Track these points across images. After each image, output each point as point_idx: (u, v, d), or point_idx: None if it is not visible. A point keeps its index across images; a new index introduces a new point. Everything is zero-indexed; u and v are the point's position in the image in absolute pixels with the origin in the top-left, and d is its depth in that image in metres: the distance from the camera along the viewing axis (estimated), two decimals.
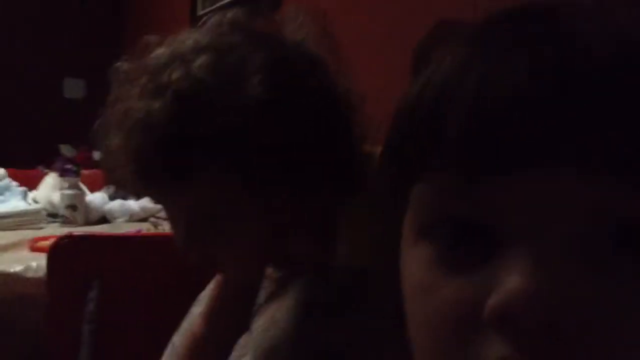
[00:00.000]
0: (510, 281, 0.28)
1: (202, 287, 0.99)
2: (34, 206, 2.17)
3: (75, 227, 2.03)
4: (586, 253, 0.28)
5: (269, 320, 0.78)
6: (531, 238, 0.29)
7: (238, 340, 0.84)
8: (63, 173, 2.20)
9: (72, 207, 2.10)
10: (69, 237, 1.39)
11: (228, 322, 0.86)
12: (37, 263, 1.53)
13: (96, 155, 2.23)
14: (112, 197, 2.30)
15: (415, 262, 0.33)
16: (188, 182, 0.66)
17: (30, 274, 1.53)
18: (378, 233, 0.40)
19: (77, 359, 1.36)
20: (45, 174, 2.37)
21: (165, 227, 2.06)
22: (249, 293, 0.85)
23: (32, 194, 2.29)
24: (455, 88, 0.31)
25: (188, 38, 0.69)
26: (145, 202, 2.24)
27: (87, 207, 2.15)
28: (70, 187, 2.15)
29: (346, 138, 0.70)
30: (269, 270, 0.89)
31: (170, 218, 0.73)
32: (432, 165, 0.32)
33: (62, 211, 2.11)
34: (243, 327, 0.82)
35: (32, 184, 2.37)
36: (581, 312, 0.28)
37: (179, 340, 0.94)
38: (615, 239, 0.28)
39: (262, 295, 0.88)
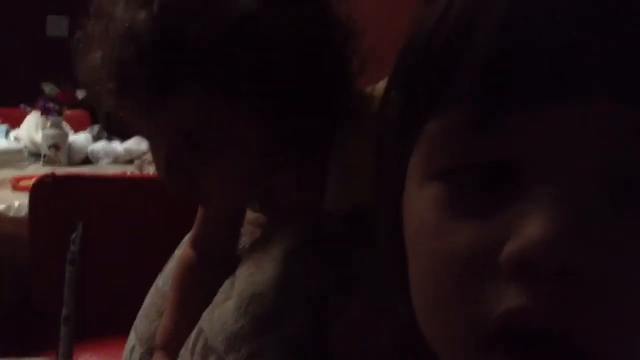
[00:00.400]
0: (531, 226, 0.26)
1: (186, 231, 0.99)
2: (16, 145, 2.14)
3: (59, 167, 2.00)
4: (615, 196, 0.27)
5: (255, 266, 0.78)
6: (557, 177, 0.27)
7: (223, 282, 0.84)
8: (46, 112, 2.16)
9: (55, 147, 2.07)
10: (52, 177, 1.37)
11: (213, 248, 0.86)
12: (19, 202, 1.52)
13: (80, 94, 2.19)
14: (96, 138, 2.27)
15: (424, 204, 0.31)
16: (172, 96, 0.62)
17: (12, 214, 1.52)
18: (380, 174, 0.38)
19: (61, 300, 1.37)
20: (28, 112, 2.33)
21: (151, 170, 2.04)
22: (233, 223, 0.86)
23: (14, 133, 2.26)
24: (482, 11, 0.29)
25: None
26: (131, 145, 2.21)
27: (70, 148, 2.12)
28: (53, 127, 2.11)
29: (341, 67, 0.68)
30: (255, 217, 0.88)
31: (152, 143, 0.70)
32: (452, 98, 0.29)
33: (45, 151, 2.08)
34: (229, 261, 0.81)
35: (14, 122, 2.33)
36: (604, 262, 0.26)
37: (163, 281, 0.94)
38: None
39: (247, 242, 0.88)
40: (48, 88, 2.19)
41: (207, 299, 0.78)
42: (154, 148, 0.69)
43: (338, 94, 0.67)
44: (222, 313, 0.75)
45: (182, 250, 0.89)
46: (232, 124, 0.64)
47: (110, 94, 0.64)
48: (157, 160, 0.69)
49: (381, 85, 0.76)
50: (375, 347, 0.53)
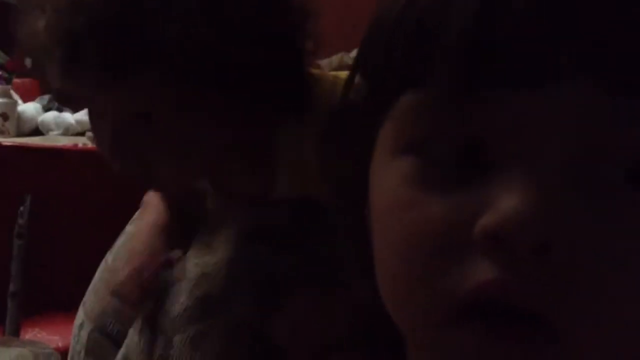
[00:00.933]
0: (506, 201, 0.26)
1: (137, 206, 0.97)
2: None
3: (7, 137, 1.94)
4: (589, 181, 0.27)
5: (205, 248, 0.77)
6: (530, 157, 0.27)
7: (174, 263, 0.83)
8: None
9: (3, 117, 2.00)
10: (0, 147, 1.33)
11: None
12: None
13: (28, 62, 2.12)
14: (46, 108, 2.20)
15: (394, 177, 0.31)
16: (124, 76, 0.59)
17: None
18: (342, 154, 0.37)
19: (8, 274, 1.33)
20: None
21: None
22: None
23: None
24: None
25: None
26: (82, 115, 2.15)
27: (19, 117, 2.05)
28: (0, 95, 2.04)
29: (295, 49, 0.67)
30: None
31: (96, 116, 0.66)
32: (427, 73, 0.29)
33: None
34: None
35: None
36: (576, 239, 0.27)
37: (112, 257, 0.92)
38: (620, 169, 0.27)
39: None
40: None
41: None
42: (98, 121, 0.66)
43: (292, 73, 0.66)
44: (171, 294, 0.74)
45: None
46: (188, 105, 0.62)
47: (56, 62, 0.61)
48: (100, 135, 0.66)
49: (326, 62, 0.75)
50: (333, 332, 0.53)
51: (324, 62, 0.74)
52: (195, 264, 0.75)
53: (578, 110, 0.27)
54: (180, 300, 0.72)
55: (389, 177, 0.31)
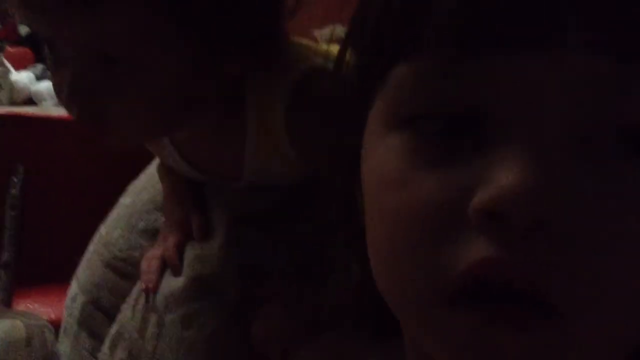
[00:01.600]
0: (503, 176, 0.25)
1: (132, 178, 0.96)
2: None
3: None
4: (588, 151, 0.26)
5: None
6: (529, 129, 0.26)
7: None
8: None
9: None
10: None
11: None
12: None
13: (22, 30, 2.08)
14: (39, 78, 2.17)
15: (386, 152, 0.30)
16: (97, 7, 0.55)
17: None
18: (335, 132, 0.36)
19: (1, 245, 1.33)
20: None
21: None
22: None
23: None
24: None
25: None
26: None
27: (12, 87, 2.02)
28: None
29: (274, 3, 0.62)
30: None
31: (54, 56, 0.61)
32: (419, 43, 0.28)
33: None
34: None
35: None
36: (576, 214, 0.26)
37: (106, 229, 0.91)
38: (623, 140, 0.26)
39: None
40: None
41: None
42: (56, 62, 0.62)
43: (267, 32, 0.63)
44: (166, 272, 0.74)
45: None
46: (153, 47, 0.58)
47: None
48: (57, 78, 0.62)
49: (316, 34, 0.73)
50: (321, 316, 0.53)
51: (315, 34, 0.72)
52: (191, 247, 0.74)
53: (582, 76, 0.26)
54: (172, 278, 0.72)
55: (379, 153, 0.30)
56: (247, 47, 0.62)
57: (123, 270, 0.86)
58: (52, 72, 0.63)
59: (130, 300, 0.77)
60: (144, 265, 0.77)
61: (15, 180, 1.33)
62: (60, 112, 1.90)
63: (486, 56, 0.26)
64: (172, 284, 0.72)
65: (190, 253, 0.73)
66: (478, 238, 0.26)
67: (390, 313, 0.32)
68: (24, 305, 1.37)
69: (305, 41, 0.71)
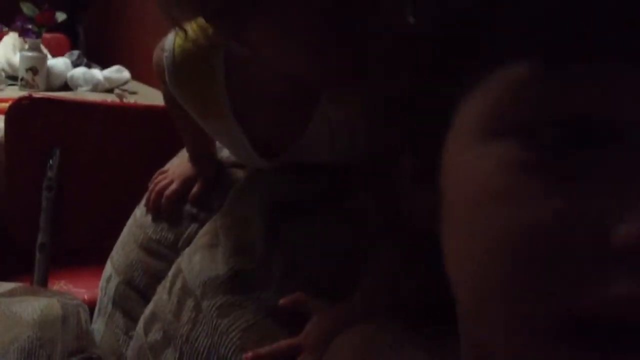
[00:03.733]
0: None
1: (165, 162, 0.97)
2: None
3: (36, 91, 1.94)
4: None
5: (239, 215, 0.77)
6: None
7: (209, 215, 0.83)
8: (23, 33, 2.08)
9: (33, 70, 2.01)
10: (30, 99, 1.33)
11: None
12: None
13: (59, 16, 2.11)
14: (75, 64, 2.20)
15: (486, 162, 0.27)
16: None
17: None
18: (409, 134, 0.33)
19: (37, 226, 1.35)
20: (5, 33, 2.24)
21: (131, 100, 1.99)
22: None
23: None
24: None
25: None
26: (111, 72, 2.15)
27: (48, 72, 2.06)
28: (31, 49, 2.04)
29: None
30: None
31: None
32: (531, 46, 0.25)
33: (22, 74, 2.01)
34: None
35: None
36: None
37: (140, 212, 0.92)
38: None
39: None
40: (26, 7, 2.11)
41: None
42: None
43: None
44: (203, 256, 0.74)
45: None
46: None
47: None
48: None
49: None
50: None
51: None
52: (232, 234, 0.74)
53: None
54: (212, 264, 0.72)
55: (475, 163, 0.28)
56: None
57: (157, 251, 0.87)
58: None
59: (166, 282, 0.78)
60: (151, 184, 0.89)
61: (52, 163, 1.35)
62: (94, 98, 1.93)
63: (603, 60, 0.25)
64: (209, 270, 0.72)
65: (228, 242, 0.73)
66: (621, 270, 0.23)
67: (425, 304, 0.31)
68: (57, 286, 1.40)
69: None
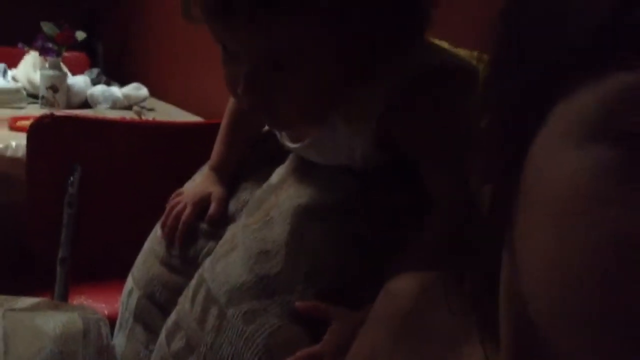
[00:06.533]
0: None
1: (185, 178, 0.98)
2: (13, 84, 2.11)
3: (56, 109, 1.97)
4: None
5: (262, 218, 0.77)
6: None
7: (225, 229, 0.84)
8: (44, 52, 2.11)
9: (53, 89, 2.04)
10: (51, 117, 1.35)
11: None
12: (16, 142, 1.50)
13: (79, 35, 2.15)
14: (94, 82, 2.23)
15: (584, 167, 0.26)
16: (282, 18, 0.60)
17: (9, 153, 1.50)
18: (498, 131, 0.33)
19: (57, 241, 1.36)
20: (26, 51, 2.28)
21: (149, 117, 2.02)
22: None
23: (11, 72, 2.22)
24: None
25: None
26: (129, 90, 2.18)
27: (68, 90, 2.09)
28: (51, 67, 2.08)
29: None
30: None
31: (227, 57, 0.67)
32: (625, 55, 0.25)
33: (43, 92, 2.05)
34: None
35: (12, 61, 2.28)
36: None
37: (160, 228, 0.93)
38: None
39: (246, 193, 0.87)
40: (47, 27, 2.14)
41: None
42: (229, 62, 0.67)
43: (415, 18, 0.66)
44: (226, 264, 0.75)
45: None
46: (317, 54, 0.63)
47: (208, 8, 0.62)
48: (231, 76, 0.67)
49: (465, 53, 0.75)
50: None
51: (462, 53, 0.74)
52: (254, 238, 0.74)
53: None
54: (237, 271, 0.73)
55: (573, 166, 0.27)
56: (393, 47, 0.66)
57: (177, 267, 0.88)
58: (224, 64, 0.68)
59: (189, 291, 0.78)
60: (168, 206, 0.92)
61: (72, 179, 1.37)
62: (113, 115, 1.96)
63: None
64: (233, 277, 0.72)
65: (254, 248, 0.74)
66: None
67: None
68: (78, 301, 1.41)
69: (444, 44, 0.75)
